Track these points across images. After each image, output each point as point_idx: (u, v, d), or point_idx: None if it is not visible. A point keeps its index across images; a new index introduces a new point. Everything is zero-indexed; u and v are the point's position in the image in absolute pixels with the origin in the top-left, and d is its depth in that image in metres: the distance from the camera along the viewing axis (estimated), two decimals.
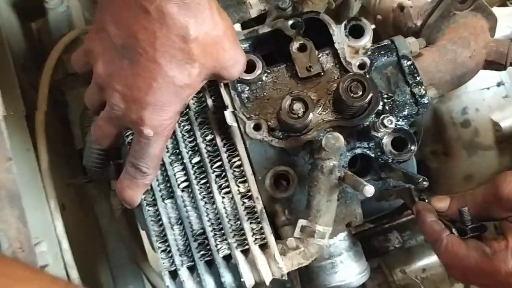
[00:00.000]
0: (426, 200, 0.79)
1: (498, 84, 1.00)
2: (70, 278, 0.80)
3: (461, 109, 1.01)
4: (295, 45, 0.82)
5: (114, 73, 0.61)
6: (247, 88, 0.82)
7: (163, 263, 0.70)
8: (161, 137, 0.63)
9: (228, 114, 0.70)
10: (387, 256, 1.10)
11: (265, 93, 0.82)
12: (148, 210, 0.71)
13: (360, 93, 0.75)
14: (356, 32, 0.82)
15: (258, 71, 0.81)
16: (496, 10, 0.95)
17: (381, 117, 0.72)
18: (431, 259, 1.08)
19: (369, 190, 0.65)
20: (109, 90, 0.62)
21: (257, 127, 0.79)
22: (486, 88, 1.01)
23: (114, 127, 0.66)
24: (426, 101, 0.80)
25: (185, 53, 0.59)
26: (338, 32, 0.82)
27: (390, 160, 0.78)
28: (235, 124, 0.71)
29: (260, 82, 0.82)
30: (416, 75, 0.80)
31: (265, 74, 0.82)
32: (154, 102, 0.61)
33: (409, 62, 0.81)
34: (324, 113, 0.81)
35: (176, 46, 0.59)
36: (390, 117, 0.72)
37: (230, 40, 0.65)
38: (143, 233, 0.96)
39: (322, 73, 0.82)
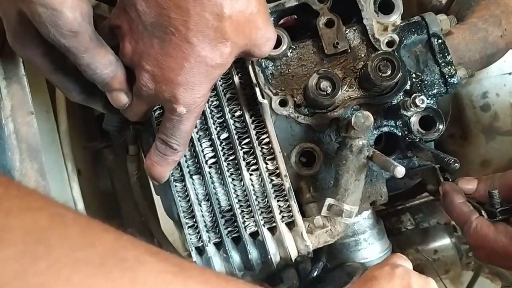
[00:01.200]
0: (450, 180, 0.78)
1: None
2: None
3: (481, 93, 1.00)
4: (322, 20, 0.80)
5: (143, 53, 0.59)
6: (271, 63, 0.80)
7: (190, 239, 0.70)
8: (193, 113, 0.63)
9: (258, 91, 0.68)
10: (399, 236, 1.11)
11: (290, 69, 0.81)
12: (176, 185, 0.71)
13: (389, 72, 0.74)
14: (385, 8, 0.80)
15: (283, 46, 0.80)
16: None
17: (413, 96, 0.71)
18: (443, 241, 1.09)
19: (400, 170, 0.65)
20: (137, 69, 0.61)
21: (283, 103, 0.78)
22: (508, 73, 1.00)
23: (144, 104, 0.64)
24: (455, 81, 0.78)
25: (218, 32, 0.58)
26: (367, 8, 0.80)
27: (417, 139, 0.77)
28: (265, 101, 0.70)
29: (285, 58, 0.81)
30: (446, 54, 0.79)
31: (290, 50, 0.81)
32: (186, 82, 0.60)
33: (439, 41, 0.79)
34: (351, 90, 0.79)
35: (209, 24, 0.57)
36: (422, 97, 0.71)
37: (263, 17, 0.63)
38: (157, 199, 0.96)
39: (349, 50, 0.80)
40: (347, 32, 0.80)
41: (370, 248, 0.81)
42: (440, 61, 0.79)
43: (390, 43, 0.79)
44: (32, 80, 0.75)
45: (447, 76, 0.78)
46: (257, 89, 0.69)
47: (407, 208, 1.17)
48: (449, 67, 0.79)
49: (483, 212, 0.70)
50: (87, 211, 0.87)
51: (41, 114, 0.88)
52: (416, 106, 0.71)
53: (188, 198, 0.70)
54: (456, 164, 0.67)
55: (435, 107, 0.79)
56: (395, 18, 0.79)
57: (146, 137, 0.77)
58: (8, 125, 0.70)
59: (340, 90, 0.74)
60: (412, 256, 1.08)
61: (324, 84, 0.74)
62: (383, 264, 0.64)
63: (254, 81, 0.69)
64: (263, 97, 0.72)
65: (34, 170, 0.69)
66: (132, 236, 0.44)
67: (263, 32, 0.64)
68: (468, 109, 0.99)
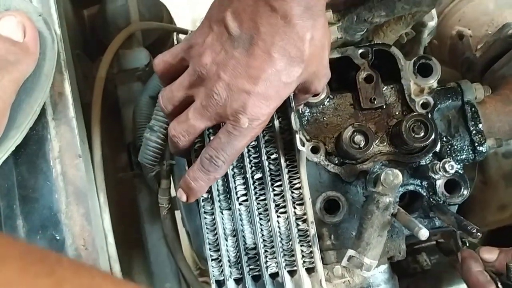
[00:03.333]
0: (467, 245, 0.80)
1: None
2: (112, 271, 0.82)
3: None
4: (362, 75, 0.83)
5: (222, 62, 0.63)
6: (308, 110, 0.83)
7: (213, 271, 0.72)
8: (252, 131, 0.65)
9: (298, 139, 0.71)
10: (416, 278, 1.12)
11: (325, 118, 0.84)
12: (205, 218, 0.73)
13: (422, 134, 0.77)
14: (424, 70, 0.83)
15: (322, 95, 0.83)
16: None
17: (443, 161, 0.73)
18: (460, 286, 1.09)
19: (424, 234, 0.67)
20: (213, 78, 0.64)
21: (315, 150, 0.81)
22: None
23: (205, 120, 0.66)
24: (484, 150, 0.81)
25: (298, 51, 0.62)
26: (406, 68, 0.83)
27: (441, 202, 0.79)
28: (304, 149, 0.73)
29: (321, 106, 0.84)
30: (478, 122, 0.81)
31: (328, 99, 0.84)
32: (258, 93, 0.63)
33: (473, 109, 0.82)
34: (381, 145, 0.82)
35: (292, 43, 0.62)
36: (452, 163, 0.73)
37: (328, 53, 0.68)
38: (181, 231, 0.99)
39: (384, 106, 0.83)
40: (384, 89, 0.83)
41: None
42: (471, 129, 0.81)
43: (425, 105, 0.82)
44: None
45: (476, 144, 0.81)
46: (297, 136, 0.71)
47: (423, 248, 1.18)
48: (479, 135, 0.81)
49: (499, 283, 0.71)
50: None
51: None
52: (446, 171, 0.74)
53: (215, 232, 0.73)
54: (479, 234, 0.69)
55: (461, 172, 0.81)
56: (433, 81, 0.82)
57: (179, 172, 0.80)
58: (56, 167, 0.72)
59: (372, 145, 0.77)
60: None
61: (358, 138, 0.77)
62: None
63: (295, 127, 0.72)
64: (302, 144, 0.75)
65: (80, 214, 0.70)
66: None
67: (325, 66, 0.69)
68: (490, 155, 1.01)
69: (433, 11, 0.85)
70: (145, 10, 1.26)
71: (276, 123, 0.74)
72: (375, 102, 0.82)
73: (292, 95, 0.71)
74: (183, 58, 0.68)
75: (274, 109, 0.67)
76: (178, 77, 0.69)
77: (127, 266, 1.00)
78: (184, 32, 1.12)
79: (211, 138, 0.71)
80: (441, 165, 0.74)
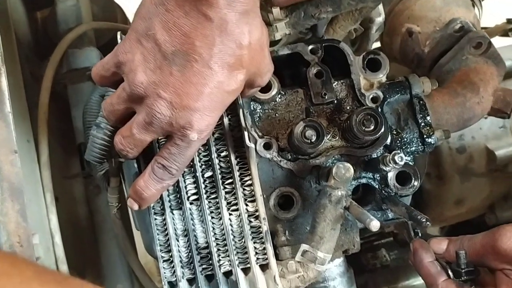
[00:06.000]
0: (420, 235, 0.81)
1: None
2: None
3: (458, 135, 1.04)
4: (312, 71, 0.83)
5: (160, 81, 0.61)
6: (260, 107, 0.83)
7: (164, 273, 0.71)
8: (201, 141, 0.64)
9: (247, 135, 0.71)
10: (374, 273, 1.13)
11: (277, 114, 0.83)
12: (156, 219, 0.72)
13: (372, 127, 0.77)
14: (373, 65, 0.84)
15: (273, 91, 0.83)
16: (496, 40, 0.98)
17: (393, 153, 0.74)
18: (417, 281, 1.11)
19: (375, 225, 0.67)
20: (151, 98, 0.62)
21: (267, 146, 0.80)
22: (484, 118, 1.05)
23: (151, 134, 0.65)
24: (432, 142, 0.82)
25: (237, 59, 0.61)
26: (355, 64, 0.84)
27: (393, 193, 0.80)
28: (253, 146, 0.73)
29: (273, 103, 0.84)
30: (426, 115, 0.83)
31: (279, 95, 0.84)
32: (203, 108, 0.61)
33: (421, 102, 0.83)
34: (334, 139, 0.82)
35: (230, 52, 0.60)
36: (401, 154, 0.74)
37: (267, 47, 0.67)
38: (136, 233, 0.97)
39: (335, 101, 0.83)
40: (335, 84, 0.84)
41: None
42: (420, 121, 0.83)
43: (374, 99, 0.83)
44: (14, 110, 0.74)
45: (425, 136, 0.82)
46: (245, 133, 0.71)
47: (382, 244, 1.20)
48: (428, 128, 0.83)
49: (449, 271, 0.72)
50: (63, 241, 0.86)
51: (22, 144, 0.86)
52: (395, 163, 0.74)
53: (166, 232, 0.71)
54: (428, 223, 0.70)
55: (411, 164, 0.82)
56: (381, 76, 0.83)
57: (128, 170, 0.78)
58: None
59: (324, 140, 0.77)
60: None
61: (310, 132, 0.77)
62: None
63: (243, 124, 0.71)
64: (250, 141, 0.74)
65: (15, 211, 0.68)
66: None
67: (267, 61, 0.68)
68: (444, 150, 1.04)
69: (380, 7, 0.86)
70: (99, 10, 1.24)
71: (226, 120, 0.73)
72: (326, 97, 0.83)
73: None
74: (115, 73, 0.66)
75: (220, 115, 0.66)
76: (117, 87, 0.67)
77: (79, 268, 0.97)
78: None
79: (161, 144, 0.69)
80: (391, 157, 0.75)
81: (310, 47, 0.84)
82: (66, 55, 1.02)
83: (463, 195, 1.08)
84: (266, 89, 0.81)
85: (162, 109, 0.61)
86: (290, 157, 0.81)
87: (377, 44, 1.10)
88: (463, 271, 0.71)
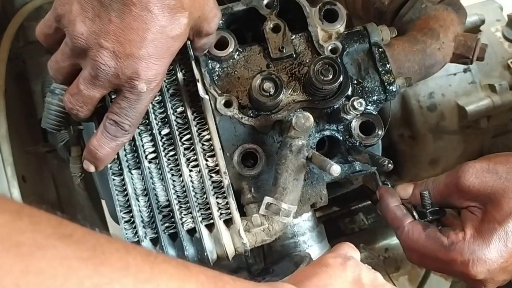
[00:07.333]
0: (389, 185, 0.81)
1: (465, 71, 1.02)
2: None
3: (428, 93, 1.03)
4: (268, 25, 0.82)
5: (101, 30, 0.59)
6: (218, 65, 0.81)
7: (126, 233, 0.69)
8: (151, 92, 0.62)
9: (200, 86, 0.69)
10: (351, 236, 1.12)
11: (236, 71, 0.82)
12: (114, 179, 0.70)
13: (331, 76, 0.76)
14: (330, 16, 0.83)
15: (230, 48, 0.81)
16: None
17: (352, 99, 0.73)
18: (394, 240, 1.10)
19: (336, 169, 0.67)
20: (94, 49, 0.59)
21: (228, 104, 0.79)
22: (453, 74, 1.04)
23: (99, 89, 0.62)
24: (394, 89, 0.81)
25: (177, 1, 0.59)
26: (312, 15, 0.82)
27: (357, 144, 0.79)
28: (207, 97, 0.71)
29: (231, 60, 0.82)
30: (386, 62, 0.82)
31: (237, 53, 0.82)
32: (148, 55, 0.59)
33: (380, 50, 0.82)
34: (295, 94, 0.81)
35: None
36: (360, 100, 0.73)
37: None
38: (103, 202, 0.95)
39: (294, 55, 0.82)
40: (293, 38, 0.82)
41: (309, 250, 0.81)
42: (380, 69, 0.82)
43: (333, 50, 0.82)
44: None
45: (386, 84, 0.81)
46: (199, 84, 0.69)
47: (360, 209, 1.19)
48: (388, 75, 0.82)
49: (414, 213, 0.72)
50: None
51: None
52: (355, 109, 0.73)
53: (125, 193, 0.70)
54: (390, 165, 0.69)
55: (375, 113, 0.81)
56: (339, 26, 0.82)
57: (88, 137, 0.76)
58: None
59: (282, 92, 0.75)
60: (363, 254, 1.10)
61: (267, 85, 0.75)
62: (335, 254, 0.64)
63: (197, 77, 0.70)
64: (206, 93, 0.73)
65: None
66: (40, 215, 0.40)
67: (212, 6, 0.66)
68: (415, 109, 1.02)
69: None
70: None
71: (180, 75, 0.72)
72: (284, 51, 0.81)
73: (189, 43, 0.68)
74: (57, 28, 0.63)
75: (168, 64, 0.64)
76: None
77: None
78: None
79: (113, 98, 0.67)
80: (350, 103, 0.74)
81: (266, 1, 0.82)
82: (22, 28, 0.99)
83: (437, 154, 1.07)
84: (222, 46, 0.80)
85: (106, 60, 0.59)
86: (251, 113, 0.80)
87: None
88: (427, 211, 0.71)
